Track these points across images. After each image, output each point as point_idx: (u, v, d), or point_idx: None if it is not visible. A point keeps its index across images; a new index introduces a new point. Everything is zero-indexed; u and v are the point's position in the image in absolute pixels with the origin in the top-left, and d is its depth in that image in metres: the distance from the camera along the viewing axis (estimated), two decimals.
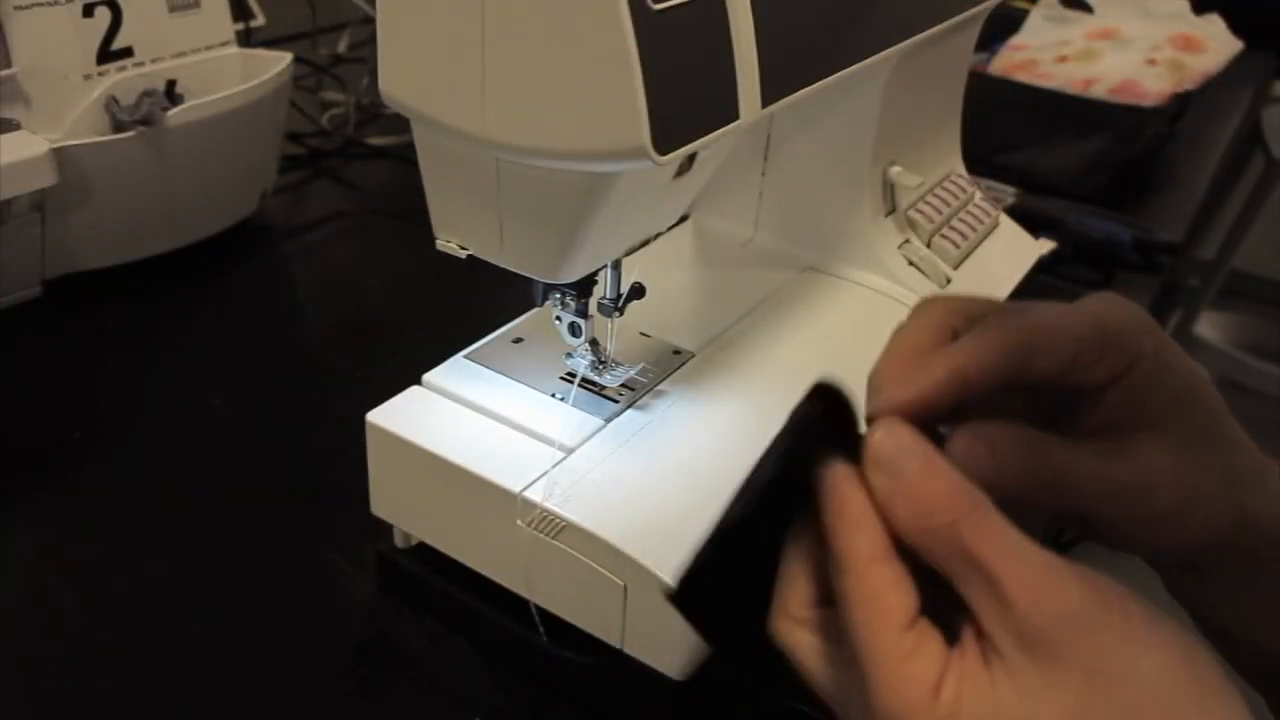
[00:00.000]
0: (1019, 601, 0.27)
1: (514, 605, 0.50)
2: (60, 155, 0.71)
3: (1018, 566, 0.28)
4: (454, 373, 0.54)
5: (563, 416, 0.51)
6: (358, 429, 0.51)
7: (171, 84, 0.80)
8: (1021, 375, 0.32)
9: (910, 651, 0.28)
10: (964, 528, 0.28)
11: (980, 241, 0.74)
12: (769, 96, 0.43)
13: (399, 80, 0.42)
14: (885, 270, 0.67)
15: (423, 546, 0.54)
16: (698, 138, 0.39)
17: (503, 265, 0.47)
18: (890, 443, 0.30)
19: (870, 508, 0.30)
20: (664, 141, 0.37)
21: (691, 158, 0.44)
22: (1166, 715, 0.27)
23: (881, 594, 0.29)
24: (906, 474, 0.29)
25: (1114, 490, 0.33)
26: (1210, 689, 0.27)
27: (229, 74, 0.84)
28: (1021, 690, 0.27)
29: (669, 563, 0.44)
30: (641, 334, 0.58)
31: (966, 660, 0.28)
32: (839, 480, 0.30)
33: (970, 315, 0.34)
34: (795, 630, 0.31)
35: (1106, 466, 0.33)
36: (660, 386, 0.54)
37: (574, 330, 0.53)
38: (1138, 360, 0.33)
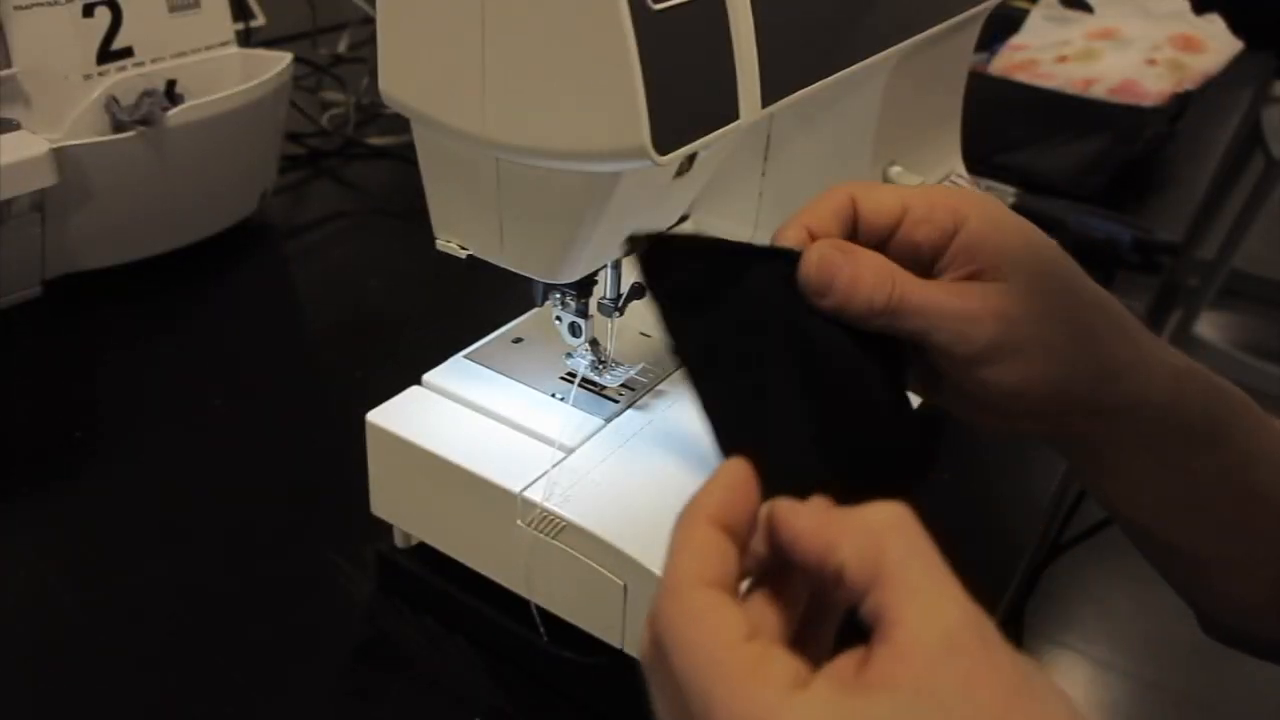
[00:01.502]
0: (948, 608, 0.26)
1: (514, 605, 0.50)
2: (60, 155, 0.71)
3: (944, 580, 0.27)
4: (454, 373, 0.54)
5: (563, 416, 0.51)
6: (358, 429, 0.51)
7: (171, 84, 0.80)
8: (854, 230, 0.38)
9: (758, 657, 0.26)
10: (891, 537, 0.27)
11: None
12: (769, 96, 0.43)
13: (399, 80, 0.42)
14: None
15: (423, 546, 0.54)
16: (698, 138, 0.39)
17: (503, 265, 0.47)
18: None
19: (710, 536, 0.29)
20: (664, 141, 0.37)
21: (691, 158, 0.44)
22: None
23: (715, 608, 0.27)
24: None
25: (942, 314, 0.36)
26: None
27: (229, 74, 0.84)
28: (928, 700, 0.25)
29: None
30: (641, 334, 0.58)
31: (843, 668, 0.26)
32: (692, 507, 0.30)
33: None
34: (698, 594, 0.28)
35: (939, 291, 0.37)
36: (660, 386, 0.54)
37: (574, 330, 0.53)
38: (965, 221, 0.38)
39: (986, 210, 0.38)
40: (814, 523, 0.28)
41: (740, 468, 0.30)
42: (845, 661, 0.26)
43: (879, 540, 0.27)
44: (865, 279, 0.36)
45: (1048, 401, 0.38)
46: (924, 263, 0.38)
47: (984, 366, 0.37)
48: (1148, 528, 0.41)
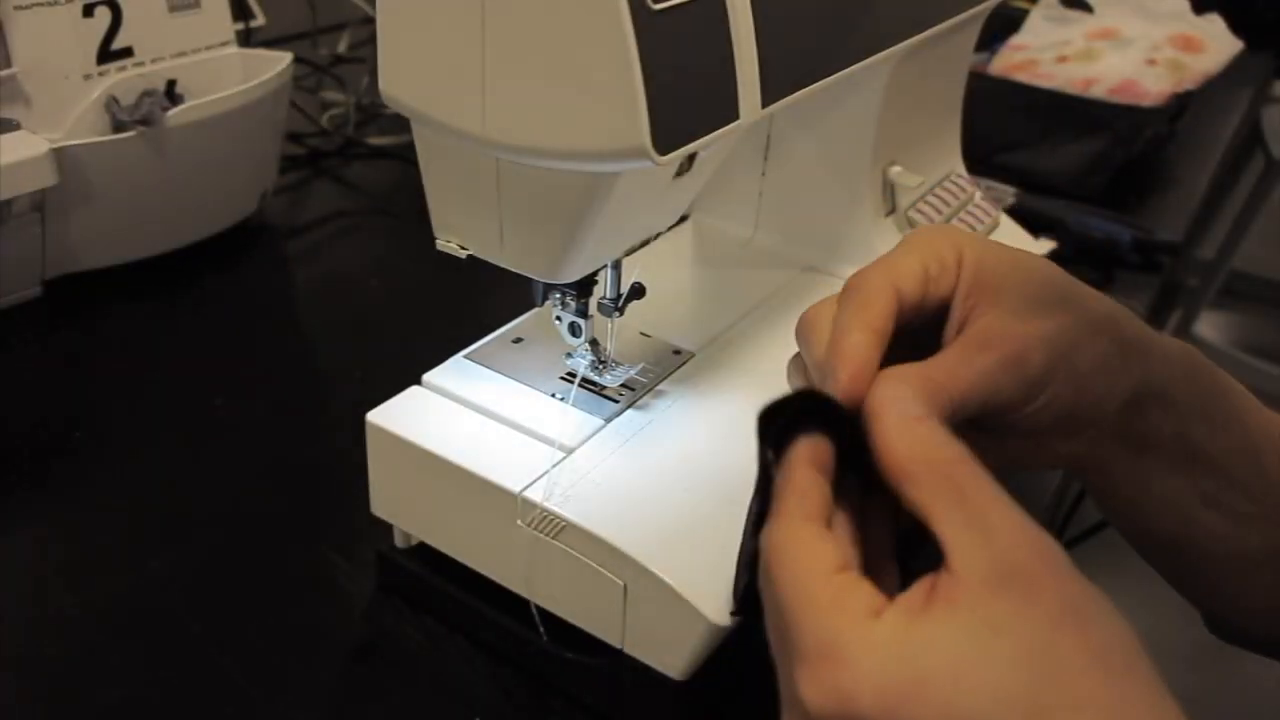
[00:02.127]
0: (1002, 534, 0.28)
1: (514, 605, 0.50)
2: (60, 155, 0.71)
3: (1003, 508, 0.29)
4: (454, 373, 0.54)
5: (563, 416, 0.51)
6: (358, 429, 0.51)
7: (171, 84, 0.80)
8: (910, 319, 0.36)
9: (841, 588, 0.28)
10: (960, 467, 0.30)
11: None
12: (769, 96, 0.43)
13: (399, 80, 0.42)
14: None
15: (423, 546, 0.54)
16: (698, 138, 0.39)
17: (503, 265, 0.47)
18: (897, 388, 0.32)
19: (811, 477, 0.31)
20: (664, 141, 0.37)
21: (691, 158, 0.44)
22: (1128, 668, 0.27)
23: (810, 543, 0.30)
24: (913, 413, 0.31)
25: (992, 372, 0.34)
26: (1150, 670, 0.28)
27: (229, 74, 0.84)
28: (981, 624, 0.27)
29: (669, 562, 0.44)
30: (641, 334, 0.58)
31: (914, 598, 0.28)
32: (793, 453, 0.32)
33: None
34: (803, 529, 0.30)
35: (975, 356, 0.35)
36: (660, 386, 0.54)
37: (574, 330, 0.53)
38: (959, 264, 0.36)
39: (964, 246, 0.37)
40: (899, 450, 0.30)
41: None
42: (916, 591, 0.28)
43: (943, 470, 0.30)
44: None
45: (1102, 403, 0.37)
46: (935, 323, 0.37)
47: (1039, 396, 0.36)
48: (1167, 531, 0.41)
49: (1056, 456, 0.40)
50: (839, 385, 0.33)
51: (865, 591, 0.29)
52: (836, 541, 0.30)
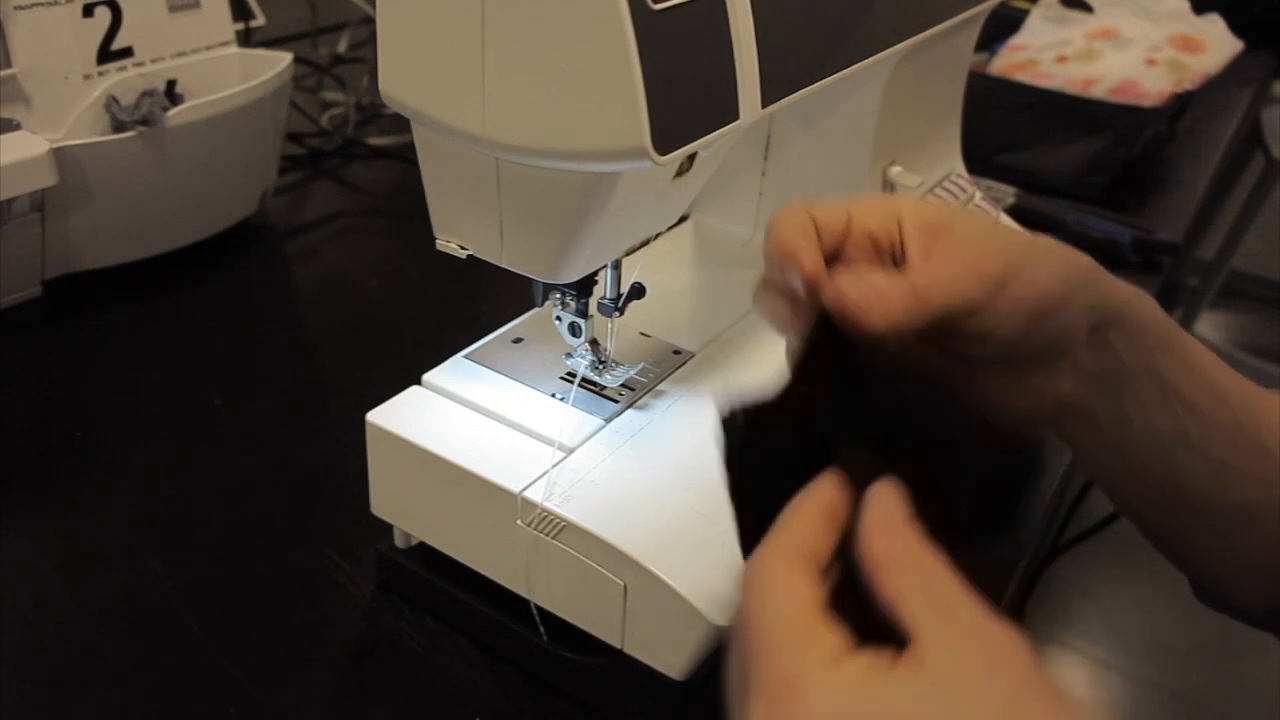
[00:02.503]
0: (966, 616, 0.29)
1: (514, 605, 0.50)
2: (60, 155, 0.71)
3: (969, 599, 0.29)
4: (454, 373, 0.54)
5: (563, 416, 0.51)
6: (358, 429, 0.51)
7: (171, 84, 0.80)
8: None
9: (810, 628, 0.29)
10: (932, 564, 0.30)
11: None
12: (769, 96, 0.43)
13: (399, 80, 0.42)
14: None
15: (423, 546, 0.54)
16: (698, 138, 0.39)
17: (503, 265, 0.47)
18: (888, 495, 0.32)
19: (813, 519, 0.32)
20: (664, 141, 0.37)
21: (691, 158, 0.44)
22: None
23: (788, 579, 0.30)
24: (899, 515, 0.31)
25: (956, 275, 0.37)
26: None
27: (229, 74, 0.84)
28: (945, 687, 0.27)
29: (669, 562, 0.44)
30: (641, 334, 0.58)
31: (880, 655, 0.28)
32: (806, 495, 0.33)
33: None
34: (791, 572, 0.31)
35: (939, 265, 0.38)
36: (660, 386, 0.54)
37: (574, 330, 0.53)
38: (901, 208, 0.39)
39: (917, 199, 0.41)
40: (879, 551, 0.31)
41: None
42: (882, 652, 0.29)
43: (916, 564, 0.30)
44: (888, 291, 0.37)
45: (1061, 328, 0.39)
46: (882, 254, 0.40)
47: (1002, 295, 0.38)
48: (1153, 477, 0.42)
49: (1042, 398, 0.41)
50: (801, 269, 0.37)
51: (834, 637, 0.29)
52: (818, 585, 0.30)
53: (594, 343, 0.53)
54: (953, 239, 0.39)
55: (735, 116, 0.41)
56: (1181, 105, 1.05)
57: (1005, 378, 0.42)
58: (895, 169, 0.67)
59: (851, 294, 0.36)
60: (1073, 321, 0.40)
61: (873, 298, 0.36)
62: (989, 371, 0.42)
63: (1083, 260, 0.41)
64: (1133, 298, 0.42)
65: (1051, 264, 0.39)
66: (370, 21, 1.01)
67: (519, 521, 0.47)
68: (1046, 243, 0.40)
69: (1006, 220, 0.78)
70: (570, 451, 0.49)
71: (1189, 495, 0.43)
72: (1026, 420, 0.43)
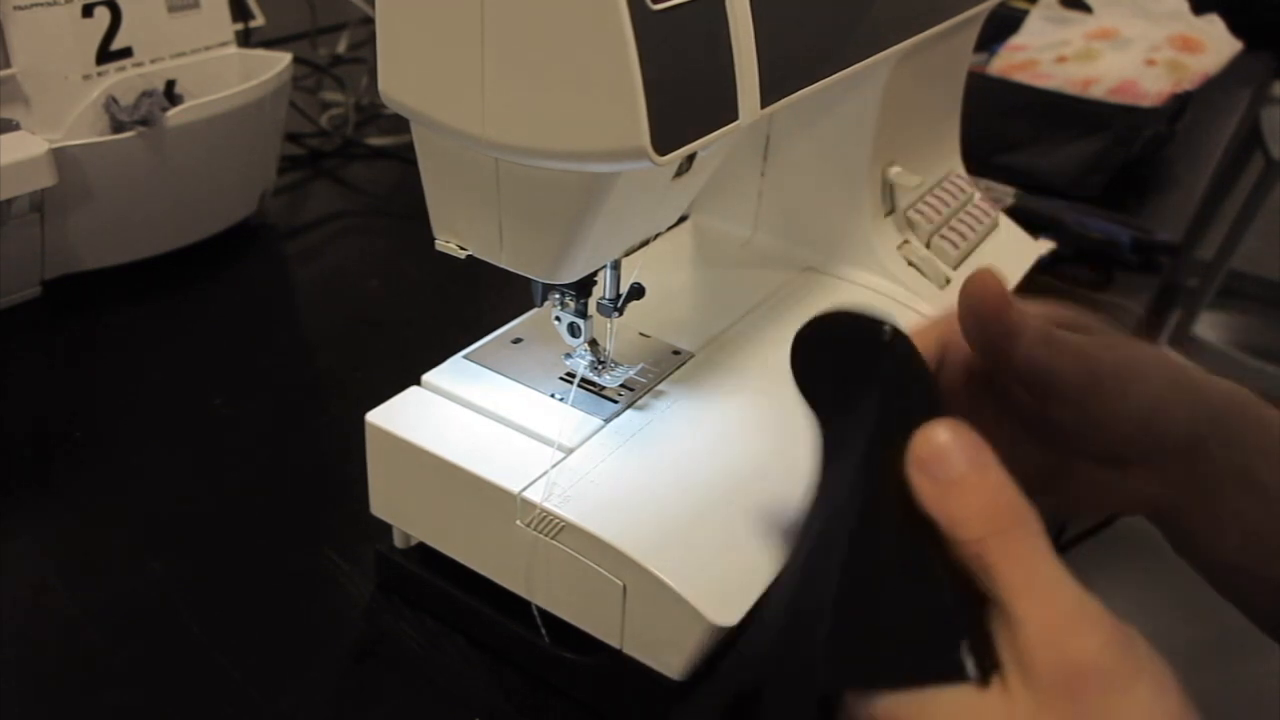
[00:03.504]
0: (1031, 640, 0.26)
1: (514, 605, 0.50)
2: (60, 155, 0.71)
3: (1040, 602, 0.27)
4: (454, 373, 0.54)
5: (562, 416, 0.51)
6: (358, 429, 0.51)
7: (171, 84, 0.80)
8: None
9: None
10: (992, 546, 0.27)
11: (980, 242, 0.74)
12: (769, 96, 0.43)
13: (399, 80, 0.42)
14: (884, 270, 0.67)
15: (423, 546, 0.54)
16: (698, 138, 0.39)
17: (502, 265, 0.47)
18: (940, 439, 0.29)
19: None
20: (664, 141, 0.37)
21: (691, 158, 0.44)
22: None
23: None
24: (948, 476, 0.28)
25: (1063, 349, 0.37)
26: None
27: (229, 74, 0.84)
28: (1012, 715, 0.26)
29: (669, 563, 0.44)
30: (641, 334, 0.58)
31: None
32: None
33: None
34: None
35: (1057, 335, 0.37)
36: (660, 386, 0.54)
37: (573, 330, 0.53)
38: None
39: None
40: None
41: None
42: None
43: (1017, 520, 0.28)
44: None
45: (1167, 426, 0.38)
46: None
47: (1114, 391, 0.37)
48: (1256, 577, 0.42)
49: (1139, 495, 0.40)
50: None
51: None
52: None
53: (593, 343, 0.53)
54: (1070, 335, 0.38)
55: (735, 117, 0.41)
56: (1181, 105, 1.05)
57: (1099, 473, 0.41)
58: (895, 169, 0.67)
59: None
60: (1173, 429, 0.39)
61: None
62: (1085, 466, 0.41)
63: (1180, 365, 0.40)
64: (1232, 400, 0.40)
65: (1154, 373, 0.38)
66: (370, 21, 1.01)
67: (518, 522, 0.47)
68: (1145, 350, 0.39)
69: (1005, 221, 0.79)
70: (570, 452, 0.49)
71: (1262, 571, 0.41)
72: (1117, 511, 0.42)
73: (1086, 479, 0.41)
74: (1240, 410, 0.40)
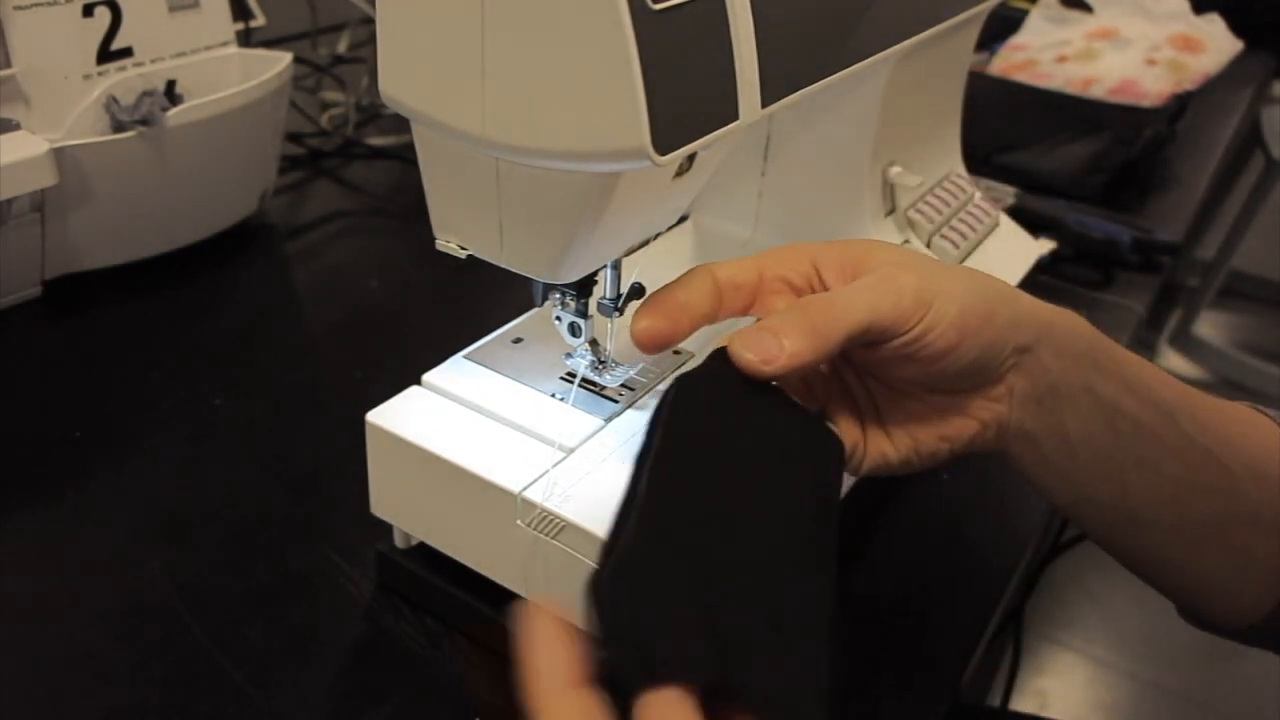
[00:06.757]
0: None
1: (514, 605, 0.50)
2: (60, 155, 0.71)
3: None
4: (454, 373, 0.54)
5: (562, 416, 0.51)
6: (358, 429, 0.51)
7: (171, 84, 0.80)
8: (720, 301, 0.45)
9: None
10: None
11: (980, 242, 0.74)
12: (769, 96, 0.43)
13: (399, 80, 0.42)
14: None
15: (423, 546, 0.54)
16: (698, 138, 0.39)
17: (502, 265, 0.47)
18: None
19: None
20: (664, 142, 0.37)
21: (691, 158, 0.44)
22: None
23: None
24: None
25: (868, 292, 0.39)
26: None
27: (229, 74, 0.84)
28: None
29: None
30: None
31: None
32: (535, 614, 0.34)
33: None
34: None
35: (854, 286, 0.40)
36: (660, 387, 0.54)
37: (574, 330, 0.53)
38: (816, 253, 0.43)
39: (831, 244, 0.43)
40: None
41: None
42: None
43: None
44: (788, 329, 0.39)
45: (987, 346, 0.40)
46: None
47: (923, 311, 0.39)
48: (1107, 500, 0.42)
49: (981, 422, 0.42)
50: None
51: None
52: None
53: (594, 343, 0.53)
54: (870, 265, 0.41)
55: (735, 116, 0.41)
56: (1181, 105, 1.05)
57: (942, 404, 0.42)
58: (895, 169, 0.67)
59: (742, 353, 0.39)
60: (998, 339, 0.40)
61: (766, 347, 0.39)
62: (925, 399, 0.42)
63: (1001, 282, 0.41)
64: (1059, 316, 0.42)
65: (971, 283, 0.40)
66: (370, 21, 1.01)
67: (519, 521, 0.47)
68: (965, 268, 0.42)
69: (1006, 220, 0.79)
70: (570, 451, 0.49)
71: (1148, 515, 0.42)
72: (969, 447, 0.43)
73: (932, 412, 0.42)
74: (1068, 324, 0.41)
